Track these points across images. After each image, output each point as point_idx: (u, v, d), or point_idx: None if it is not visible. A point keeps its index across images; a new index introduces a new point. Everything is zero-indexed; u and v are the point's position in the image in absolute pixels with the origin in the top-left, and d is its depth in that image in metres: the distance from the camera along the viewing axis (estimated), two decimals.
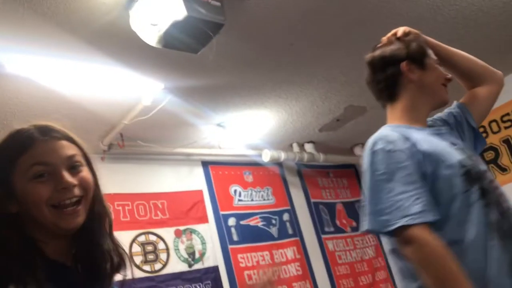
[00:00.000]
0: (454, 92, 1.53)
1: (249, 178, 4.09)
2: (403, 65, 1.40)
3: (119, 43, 2.27)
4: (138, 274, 3.09)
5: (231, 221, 3.79)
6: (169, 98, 2.85)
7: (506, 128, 3.87)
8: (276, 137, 3.94)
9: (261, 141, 3.90)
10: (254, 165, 4.08)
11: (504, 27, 3.05)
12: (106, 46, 2.28)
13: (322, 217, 4.42)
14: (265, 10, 2.31)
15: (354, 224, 4.60)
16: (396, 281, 1.44)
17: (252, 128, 3.69)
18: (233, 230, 3.76)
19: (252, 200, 4.00)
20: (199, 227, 3.57)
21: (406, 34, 1.49)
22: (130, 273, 0.96)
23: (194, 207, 3.62)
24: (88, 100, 2.68)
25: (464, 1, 2.67)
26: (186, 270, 3.37)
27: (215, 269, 3.50)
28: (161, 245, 3.34)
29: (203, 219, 3.63)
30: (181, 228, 3.49)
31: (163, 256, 3.32)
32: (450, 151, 1.29)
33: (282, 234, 4.01)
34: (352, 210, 4.68)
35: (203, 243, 3.55)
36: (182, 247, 3.43)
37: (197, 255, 3.48)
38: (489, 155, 3.94)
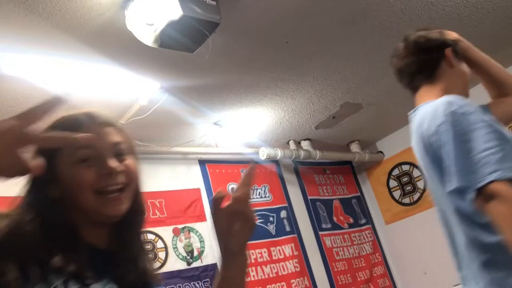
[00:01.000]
0: None
1: None
2: (448, 50, 1.50)
3: (115, 43, 2.28)
4: None
5: None
6: (166, 98, 2.86)
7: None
8: (272, 135, 3.95)
9: (257, 139, 3.91)
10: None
11: (498, 23, 3.07)
12: (102, 46, 2.28)
13: (319, 214, 4.44)
14: (260, 8, 2.32)
15: (351, 220, 4.63)
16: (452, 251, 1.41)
17: (248, 126, 3.70)
18: None
19: None
20: (197, 225, 3.59)
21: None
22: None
23: (192, 205, 3.64)
24: (84, 100, 2.68)
25: None
26: (185, 268, 3.39)
27: (213, 266, 3.52)
28: (159, 244, 3.35)
29: (201, 217, 3.64)
30: (179, 226, 3.50)
31: (161, 254, 3.33)
32: None
33: (280, 231, 4.03)
34: (349, 207, 4.70)
35: (201, 241, 3.56)
36: (180, 245, 3.44)
37: (195, 253, 3.49)
38: None
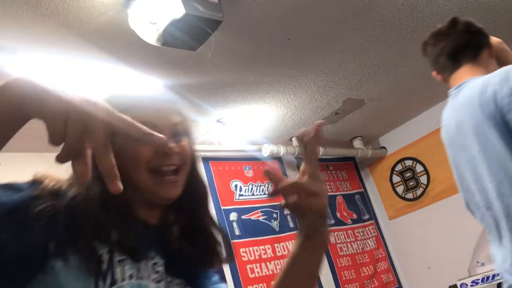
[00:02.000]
0: None
1: (249, 173, 4.11)
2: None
3: (118, 41, 2.28)
4: None
5: (233, 216, 3.81)
6: (168, 96, 2.86)
7: None
8: (275, 132, 3.96)
9: (260, 136, 3.92)
10: (254, 160, 4.10)
11: (500, 18, 3.06)
12: (105, 44, 2.29)
13: None
14: (262, 5, 2.32)
15: (354, 216, 4.63)
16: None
17: (251, 124, 3.71)
18: (234, 224, 3.79)
19: (252, 194, 4.03)
20: None
21: None
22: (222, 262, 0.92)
23: None
24: None
25: None
26: None
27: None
28: None
29: None
30: None
31: None
32: None
33: (283, 227, 4.04)
34: (352, 202, 4.71)
35: None
36: None
37: None
38: None
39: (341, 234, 4.43)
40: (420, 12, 2.72)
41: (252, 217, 3.91)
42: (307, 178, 0.79)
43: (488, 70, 1.53)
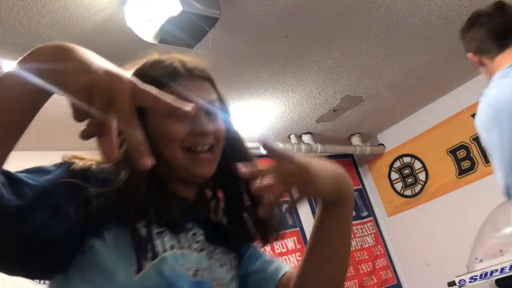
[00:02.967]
0: None
1: None
2: None
3: (114, 39, 2.27)
4: None
5: None
6: None
7: None
8: (273, 129, 3.95)
9: (258, 133, 3.91)
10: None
11: None
12: (102, 43, 2.28)
13: None
14: (259, 2, 2.32)
15: (353, 213, 4.63)
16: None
17: (249, 121, 3.70)
18: None
19: None
20: None
21: None
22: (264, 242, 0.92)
23: None
24: None
25: None
26: None
27: None
28: None
29: None
30: None
31: None
32: None
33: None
34: None
35: None
36: None
37: None
38: None
39: None
40: (418, 8, 2.71)
41: None
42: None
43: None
